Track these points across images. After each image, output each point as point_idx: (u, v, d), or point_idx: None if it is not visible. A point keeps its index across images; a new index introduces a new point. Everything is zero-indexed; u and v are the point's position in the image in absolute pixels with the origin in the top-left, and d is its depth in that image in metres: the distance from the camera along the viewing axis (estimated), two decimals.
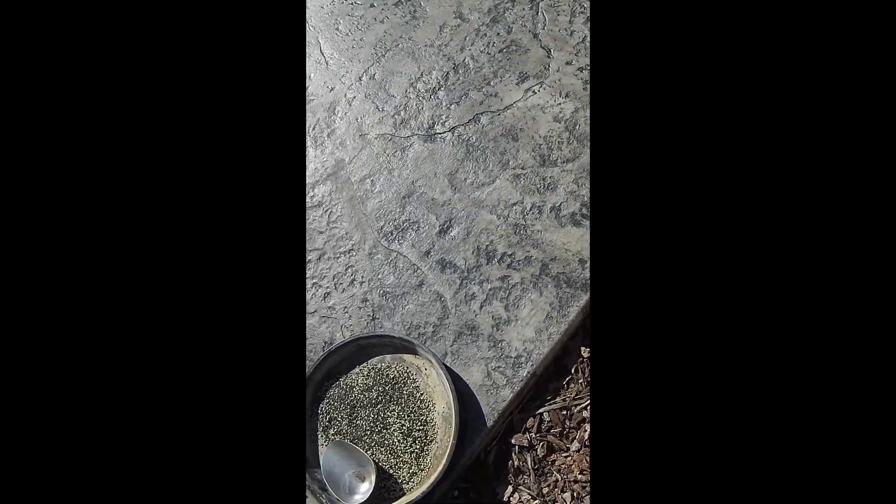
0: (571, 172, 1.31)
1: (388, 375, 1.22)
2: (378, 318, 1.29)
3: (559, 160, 1.33)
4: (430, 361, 1.20)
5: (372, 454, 1.18)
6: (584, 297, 1.22)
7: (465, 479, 1.18)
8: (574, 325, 1.22)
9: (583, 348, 1.22)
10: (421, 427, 1.18)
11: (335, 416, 1.21)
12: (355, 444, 1.18)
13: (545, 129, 1.37)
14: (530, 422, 1.19)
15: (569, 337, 1.22)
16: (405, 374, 1.22)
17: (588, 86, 1.39)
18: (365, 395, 1.21)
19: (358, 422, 1.20)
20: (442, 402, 1.18)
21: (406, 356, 1.24)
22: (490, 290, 1.26)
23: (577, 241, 1.27)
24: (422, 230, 1.35)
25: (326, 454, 1.15)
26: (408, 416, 1.18)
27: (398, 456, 1.16)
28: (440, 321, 1.26)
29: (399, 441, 1.17)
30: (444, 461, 1.12)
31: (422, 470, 1.15)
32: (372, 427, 1.19)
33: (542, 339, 1.21)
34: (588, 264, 1.25)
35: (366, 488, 1.13)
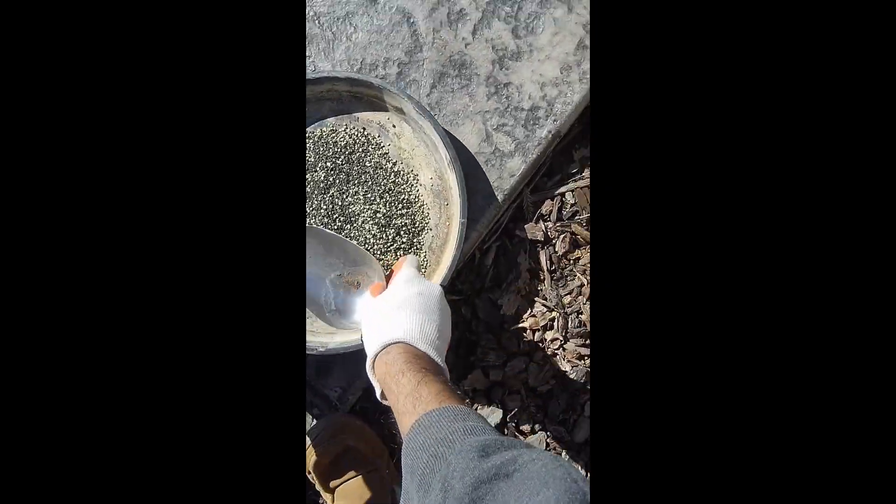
0: None
1: (334, 143, 0.78)
2: (308, 57, 0.81)
3: None
4: (401, 110, 0.77)
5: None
6: None
7: (452, 289, 0.83)
8: None
9: None
10: (404, 210, 0.77)
11: None
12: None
13: None
14: (547, 206, 0.82)
15: None
16: (363, 138, 0.78)
17: None
18: (305, 179, 0.78)
19: None
20: (428, 171, 0.78)
21: (360, 114, 0.79)
22: (488, 3, 0.79)
23: None
24: None
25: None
26: (380, 197, 0.78)
27: (378, 258, 0.77)
28: (409, 57, 0.80)
29: (375, 235, 0.78)
30: (450, 253, 0.74)
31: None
32: (326, 223, 0.78)
33: (569, 82, 0.78)
34: None
35: (367, 301, 0.67)
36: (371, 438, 0.78)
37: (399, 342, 0.55)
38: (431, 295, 0.60)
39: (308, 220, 0.77)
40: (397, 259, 0.76)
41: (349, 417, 0.79)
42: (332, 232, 0.73)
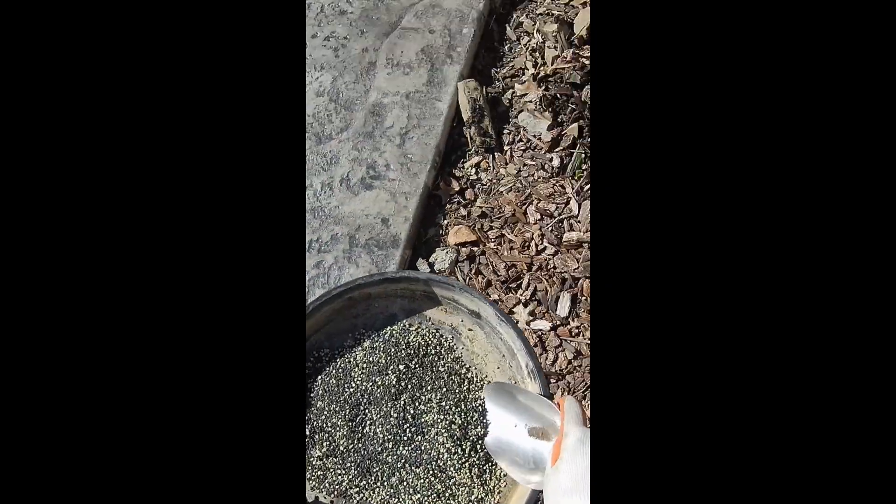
0: (349, 140, 1.32)
1: (407, 344, 0.73)
2: None
3: (333, 132, 1.33)
4: (478, 314, 0.74)
5: (397, 481, 0.68)
6: (397, 253, 1.26)
7: None
8: None
9: None
10: (480, 420, 0.70)
11: (324, 425, 0.71)
12: (369, 468, 0.69)
13: (310, 107, 1.35)
14: None
15: None
16: (436, 340, 0.75)
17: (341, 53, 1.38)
18: (375, 382, 0.71)
19: (368, 428, 0.70)
20: (502, 377, 0.74)
21: (433, 313, 0.77)
22: (309, 280, 1.23)
23: (373, 202, 1.29)
24: None
25: (487, 405, 0.69)
26: (455, 406, 0.70)
27: (449, 475, 0.68)
28: None
29: (449, 450, 0.68)
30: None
31: (489, 494, 0.69)
32: (395, 435, 0.70)
33: None
34: (391, 220, 1.29)
35: (547, 473, 0.58)
36: None
37: None
38: None
39: (375, 428, 0.70)
40: (469, 476, 0.68)
41: None
42: (512, 383, 0.70)
